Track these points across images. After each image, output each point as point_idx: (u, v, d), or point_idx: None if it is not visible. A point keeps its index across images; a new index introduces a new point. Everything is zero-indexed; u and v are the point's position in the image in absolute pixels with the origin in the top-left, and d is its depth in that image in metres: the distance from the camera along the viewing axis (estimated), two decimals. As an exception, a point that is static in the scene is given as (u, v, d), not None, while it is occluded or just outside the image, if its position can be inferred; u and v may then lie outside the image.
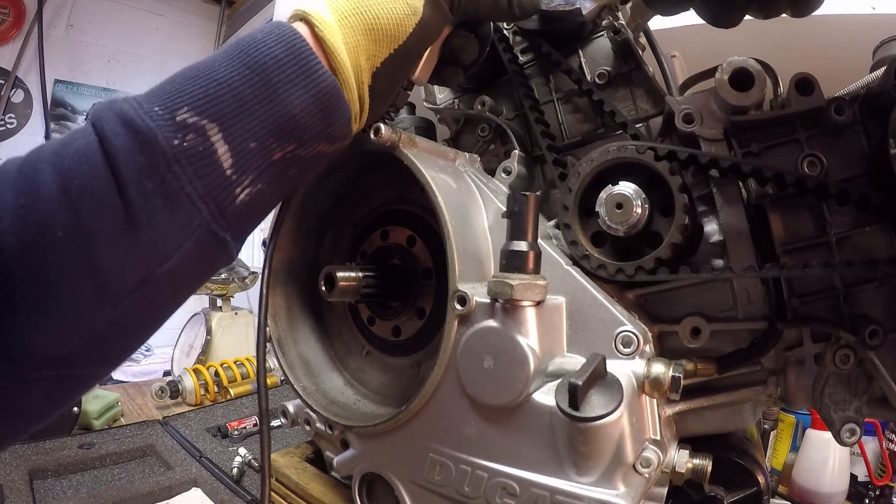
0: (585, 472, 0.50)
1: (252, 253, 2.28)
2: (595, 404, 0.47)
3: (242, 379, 1.75)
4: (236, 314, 2.08)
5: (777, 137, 0.59)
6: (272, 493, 0.83)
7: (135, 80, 3.85)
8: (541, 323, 0.52)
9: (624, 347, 0.53)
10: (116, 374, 2.58)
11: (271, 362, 1.78)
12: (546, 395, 0.51)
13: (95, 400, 1.52)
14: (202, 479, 1.16)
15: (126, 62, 3.80)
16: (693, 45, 0.94)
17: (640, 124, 0.71)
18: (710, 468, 0.56)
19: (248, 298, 2.34)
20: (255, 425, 1.44)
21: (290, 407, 0.79)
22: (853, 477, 1.32)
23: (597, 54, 0.74)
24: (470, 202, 0.61)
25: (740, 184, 0.61)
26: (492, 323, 0.52)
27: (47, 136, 3.60)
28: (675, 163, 0.58)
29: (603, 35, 0.74)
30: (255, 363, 1.74)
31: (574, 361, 0.54)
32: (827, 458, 1.28)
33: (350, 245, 0.77)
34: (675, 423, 0.64)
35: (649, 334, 0.54)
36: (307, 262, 0.78)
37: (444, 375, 0.55)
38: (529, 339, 0.50)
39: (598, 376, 0.48)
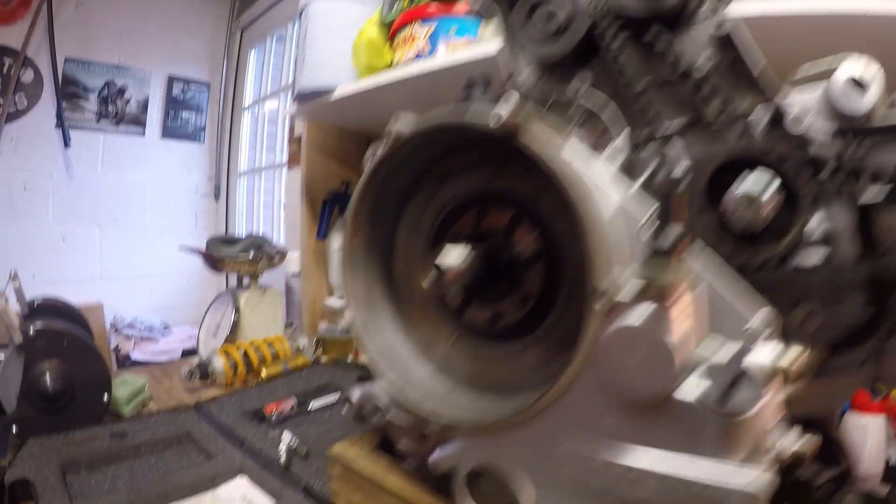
0: (724, 464, 0.48)
1: (279, 233, 2.21)
2: (740, 397, 0.46)
3: (273, 360, 1.69)
4: (264, 293, 2.02)
5: (889, 141, 0.57)
6: (344, 485, 0.78)
7: (147, 56, 3.81)
8: (685, 314, 0.49)
9: (756, 335, 0.50)
10: (135, 355, 2.55)
11: (301, 342, 1.73)
12: (690, 389, 0.48)
13: (123, 386, 1.46)
14: (247, 468, 1.10)
15: (137, 38, 3.75)
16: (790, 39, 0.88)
17: (740, 120, 0.66)
18: (816, 449, 0.52)
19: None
20: (293, 408, 1.38)
21: (354, 396, 0.74)
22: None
23: (696, 44, 0.69)
24: (593, 189, 0.56)
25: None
26: (636, 320, 0.48)
27: (59, 116, 3.57)
28: (796, 161, 0.57)
29: (703, 24, 0.68)
30: (284, 343, 1.70)
31: (712, 349, 0.51)
32: (865, 441, 1.25)
33: (431, 226, 0.72)
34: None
35: (777, 322, 0.51)
36: (385, 243, 0.73)
37: (579, 372, 0.52)
38: (674, 333, 0.47)
39: (741, 368, 0.47)
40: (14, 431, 1.23)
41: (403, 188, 0.73)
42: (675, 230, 0.49)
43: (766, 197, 0.56)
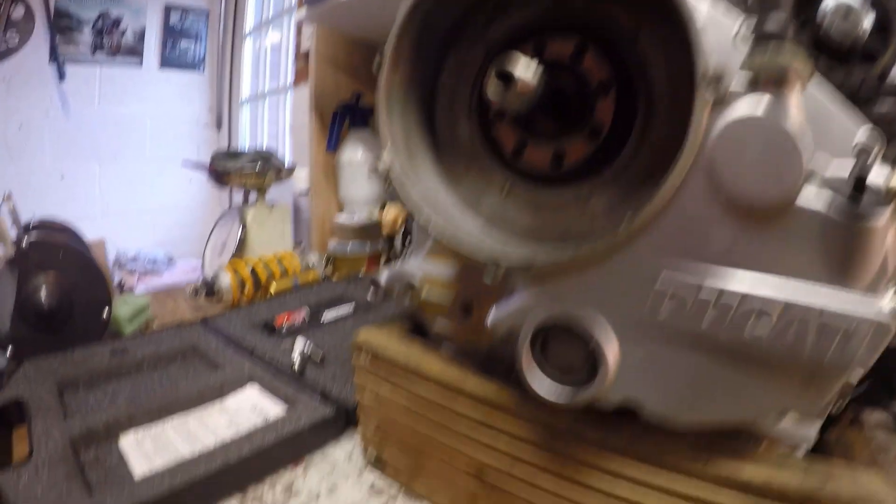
0: (850, 287, 0.42)
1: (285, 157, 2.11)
2: (867, 203, 0.41)
3: (282, 276, 1.60)
4: (272, 209, 1.94)
5: None
6: (370, 377, 0.69)
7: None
8: (801, 107, 0.42)
9: (868, 150, 0.43)
10: (139, 288, 2.49)
11: (311, 258, 1.64)
12: (813, 198, 0.42)
13: (125, 305, 1.38)
14: (257, 376, 1.01)
15: (132, -35, 3.61)
16: None
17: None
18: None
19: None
20: (304, 320, 1.29)
21: (383, 277, 0.68)
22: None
23: None
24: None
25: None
26: (754, 109, 0.42)
27: (52, 51, 3.47)
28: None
29: None
30: (294, 259, 1.61)
31: (822, 164, 0.44)
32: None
33: (480, 69, 0.64)
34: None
35: (883, 142, 0.44)
36: (426, 87, 0.65)
37: (684, 179, 0.44)
38: (796, 129, 0.41)
39: (863, 181, 0.41)
40: (8, 354, 1.14)
41: (449, 28, 0.63)
42: (779, 15, 0.41)
43: (863, 9, 0.51)
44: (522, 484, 0.60)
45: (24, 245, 1.18)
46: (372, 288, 0.70)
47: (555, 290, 0.51)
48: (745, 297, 0.43)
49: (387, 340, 0.70)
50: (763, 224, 0.43)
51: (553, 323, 0.49)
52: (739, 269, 0.43)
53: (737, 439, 0.51)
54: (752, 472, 0.47)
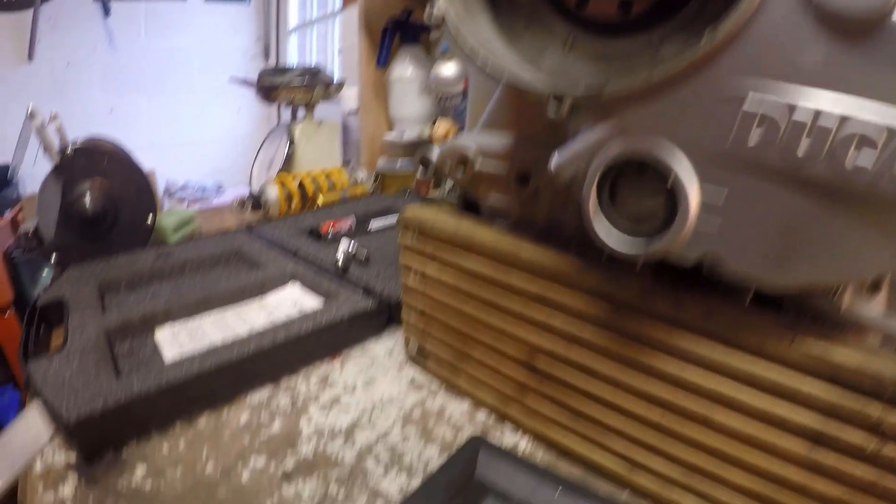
0: None
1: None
2: None
3: (329, 190, 1.56)
4: (320, 125, 1.89)
5: None
6: (416, 256, 0.64)
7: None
8: None
9: None
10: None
11: (359, 174, 1.59)
12: None
13: (170, 215, 1.36)
14: (299, 275, 0.98)
15: None
16: None
17: None
18: None
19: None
20: (351, 227, 1.24)
21: (434, 153, 0.64)
22: None
23: None
24: None
25: None
26: None
27: (103, -2, 3.45)
28: None
29: None
30: (343, 174, 1.57)
31: None
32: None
33: None
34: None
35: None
36: None
37: None
38: None
39: None
40: (53, 260, 1.13)
41: None
42: None
43: None
44: (577, 371, 0.55)
45: (69, 151, 1.16)
46: (420, 167, 0.65)
47: (626, 122, 0.44)
48: (844, 121, 0.36)
49: (436, 215, 0.65)
50: (857, 42, 0.36)
51: (625, 159, 0.43)
52: (835, 92, 0.37)
53: (822, 324, 0.45)
54: (844, 355, 0.40)
